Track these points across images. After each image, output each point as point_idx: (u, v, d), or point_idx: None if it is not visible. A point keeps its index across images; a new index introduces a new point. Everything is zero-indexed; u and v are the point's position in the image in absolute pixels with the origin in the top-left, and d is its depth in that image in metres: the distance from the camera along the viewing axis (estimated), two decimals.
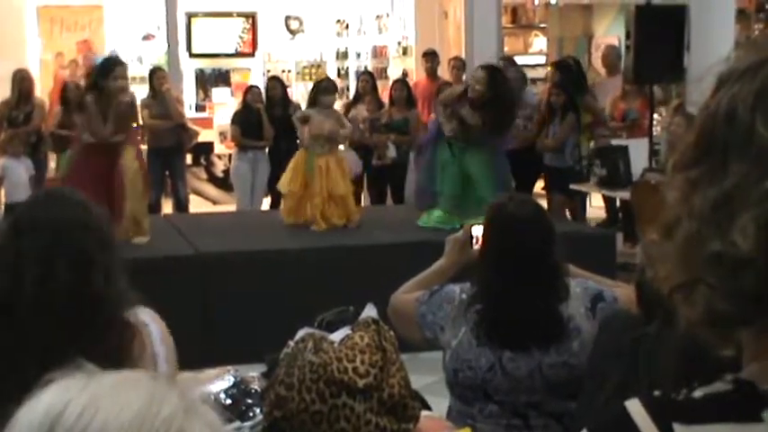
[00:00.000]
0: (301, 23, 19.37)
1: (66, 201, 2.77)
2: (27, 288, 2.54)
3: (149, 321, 2.79)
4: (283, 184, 9.59)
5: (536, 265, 3.74)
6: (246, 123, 13.08)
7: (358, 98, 13.66)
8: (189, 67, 18.03)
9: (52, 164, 13.24)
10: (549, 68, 13.86)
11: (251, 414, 4.07)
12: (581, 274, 4.07)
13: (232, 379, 4.29)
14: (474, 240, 4.04)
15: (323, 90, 9.70)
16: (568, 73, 12.20)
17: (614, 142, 11.77)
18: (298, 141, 12.95)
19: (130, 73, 17.32)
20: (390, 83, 15.41)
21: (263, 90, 14.21)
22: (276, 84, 13.73)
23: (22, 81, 12.64)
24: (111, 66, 9.19)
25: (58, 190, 3.37)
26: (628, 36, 11.32)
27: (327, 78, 11.83)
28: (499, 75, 9.32)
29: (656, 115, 11.92)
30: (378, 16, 18.44)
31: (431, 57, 14.40)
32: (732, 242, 1.11)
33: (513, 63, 13.43)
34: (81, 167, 8.86)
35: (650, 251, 1.22)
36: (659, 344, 2.45)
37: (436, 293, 3.94)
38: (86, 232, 2.65)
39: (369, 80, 13.78)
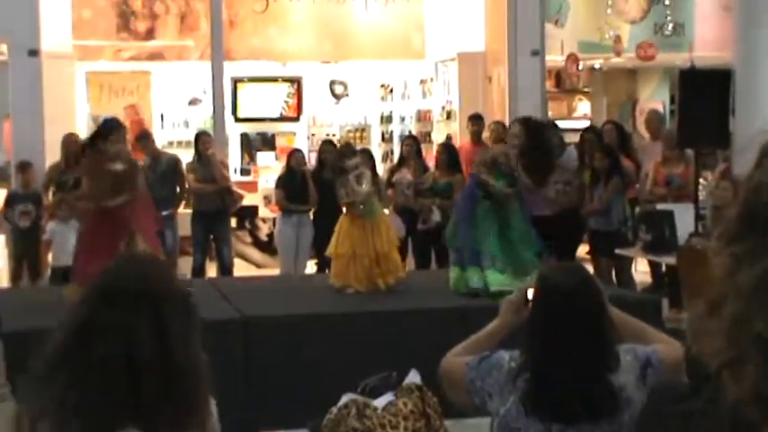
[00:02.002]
0: (346, 88, 19.51)
1: (148, 267, 2.73)
2: (113, 358, 2.50)
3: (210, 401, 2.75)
4: (330, 247, 9.54)
5: (585, 335, 3.66)
6: (291, 187, 13.12)
7: (402, 162, 13.68)
8: (234, 131, 18.18)
9: None
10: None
11: None
12: (625, 319, 3.99)
13: None
14: (530, 303, 3.96)
15: (342, 155, 9.78)
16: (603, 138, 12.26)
17: (659, 207, 11.72)
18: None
19: (176, 137, 17.68)
20: (435, 146, 15.46)
21: (307, 154, 14.29)
22: (329, 147, 13.74)
23: (70, 146, 12.77)
24: (110, 129, 9.14)
25: (140, 255, 3.34)
26: (672, 100, 11.31)
27: (345, 144, 11.85)
28: (533, 124, 9.35)
29: (701, 179, 11.86)
30: (422, 81, 18.54)
31: (476, 121, 14.41)
32: None
33: (553, 126, 13.46)
34: (88, 236, 8.92)
35: (696, 326, 1.20)
36: (707, 420, 2.40)
37: (485, 359, 3.87)
38: (169, 302, 2.61)
39: (413, 144, 13.80)
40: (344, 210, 9.51)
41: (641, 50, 17.01)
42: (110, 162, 8.86)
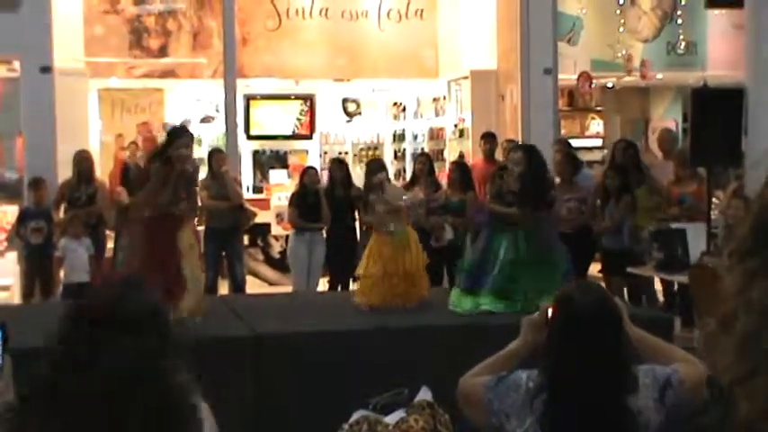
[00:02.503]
0: (358, 106, 19.56)
1: (134, 291, 2.75)
2: (101, 380, 2.51)
3: (205, 417, 2.75)
4: (360, 267, 9.28)
5: (603, 355, 3.61)
6: (304, 205, 13.12)
7: (415, 180, 13.68)
8: (247, 149, 18.22)
9: (110, 244, 13.36)
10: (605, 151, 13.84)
11: None
12: (645, 338, 3.94)
13: None
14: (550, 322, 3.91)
15: (370, 172, 9.74)
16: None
17: (672, 225, 11.70)
18: (356, 223, 13.01)
19: None
20: (447, 165, 15.46)
21: (320, 171, 14.30)
22: (339, 165, 13.78)
23: (82, 162, 12.79)
24: (177, 135, 9.04)
25: (127, 278, 3.35)
26: (685, 119, 11.30)
27: (373, 159, 11.81)
28: (535, 153, 9.28)
29: (713, 199, 11.84)
30: (434, 99, 18.57)
31: (489, 139, 14.40)
32: None
33: (567, 145, 13.43)
34: (144, 244, 8.84)
35: (708, 342, 1.20)
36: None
37: (503, 380, 3.82)
38: (155, 323, 2.64)
39: (425, 162, 13.78)
40: (372, 229, 9.40)
41: (644, 69, 17.06)
42: (181, 163, 8.80)
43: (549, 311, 3.82)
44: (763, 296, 1.12)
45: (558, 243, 9.29)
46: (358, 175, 14.28)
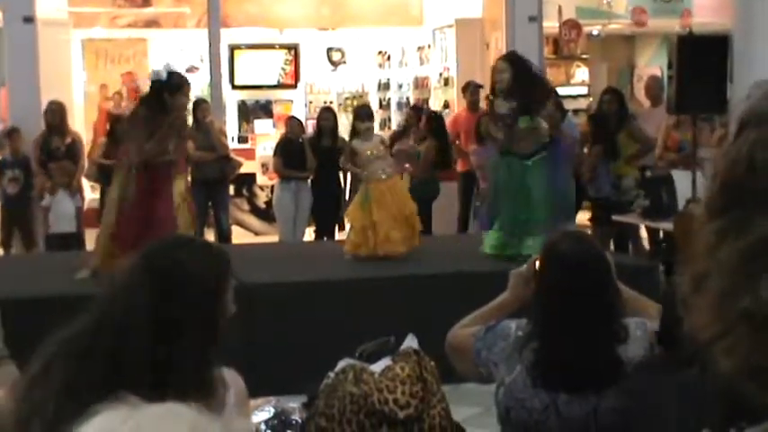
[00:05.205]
0: (343, 55, 19.49)
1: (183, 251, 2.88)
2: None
3: (231, 382, 2.86)
4: (352, 217, 9.35)
5: (591, 305, 3.60)
6: (289, 154, 13.10)
7: (405, 131, 13.67)
8: (231, 99, 18.15)
9: (87, 195, 13.32)
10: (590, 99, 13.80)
11: None
12: (627, 294, 3.94)
13: (273, 410, 4.30)
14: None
15: (356, 117, 9.72)
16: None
17: (660, 173, 11.68)
18: (340, 172, 13.00)
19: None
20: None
21: (304, 121, 14.26)
22: (329, 114, 13.68)
23: (54, 114, 12.58)
24: (182, 82, 8.80)
25: (184, 238, 3.56)
26: (670, 66, 11.25)
27: (362, 105, 11.79)
28: (518, 58, 9.22)
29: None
30: (419, 48, 18.51)
31: (473, 89, 14.30)
32: (761, 298, 1.08)
33: (554, 93, 13.38)
34: (137, 195, 8.66)
35: (685, 302, 1.20)
36: (703, 387, 2.35)
37: (492, 329, 3.82)
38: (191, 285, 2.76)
39: (414, 115, 13.82)
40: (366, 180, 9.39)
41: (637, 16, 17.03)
42: (181, 112, 8.71)
43: (537, 265, 3.82)
44: (733, 257, 1.12)
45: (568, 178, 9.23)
46: (344, 125, 14.24)
